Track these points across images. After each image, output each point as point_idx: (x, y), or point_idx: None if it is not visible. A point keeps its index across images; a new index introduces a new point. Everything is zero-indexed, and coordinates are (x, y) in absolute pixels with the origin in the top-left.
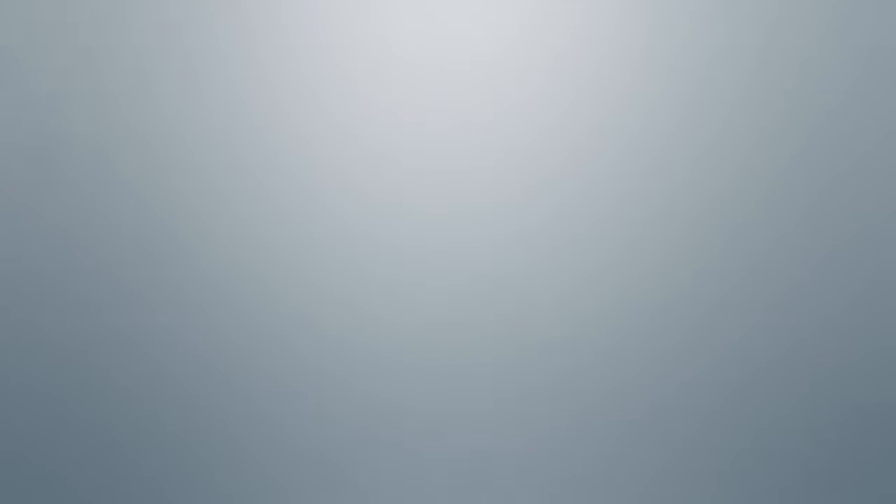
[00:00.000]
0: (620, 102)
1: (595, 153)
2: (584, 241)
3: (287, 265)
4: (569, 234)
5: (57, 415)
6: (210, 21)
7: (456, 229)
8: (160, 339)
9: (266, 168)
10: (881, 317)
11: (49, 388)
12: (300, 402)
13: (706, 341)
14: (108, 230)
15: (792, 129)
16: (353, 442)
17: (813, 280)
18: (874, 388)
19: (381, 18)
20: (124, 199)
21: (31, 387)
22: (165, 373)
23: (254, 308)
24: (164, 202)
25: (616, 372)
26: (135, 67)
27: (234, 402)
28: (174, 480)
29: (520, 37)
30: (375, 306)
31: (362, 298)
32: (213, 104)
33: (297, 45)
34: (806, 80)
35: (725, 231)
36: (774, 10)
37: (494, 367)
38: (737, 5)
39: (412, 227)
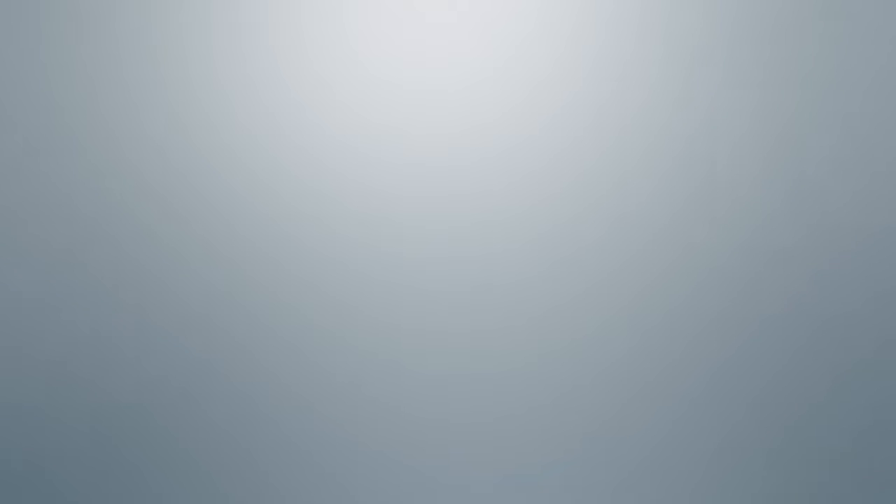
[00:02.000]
0: (622, 109)
1: (607, 160)
2: (593, 248)
3: (288, 268)
4: (579, 241)
5: (57, 418)
6: (208, 23)
7: (461, 234)
8: (160, 340)
9: (269, 170)
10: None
11: (50, 391)
12: (301, 406)
13: (721, 346)
14: (111, 232)
15: (802, 133)
16: (353, 447)
17: (825, 284)
18: (890, 394)
19: (382, 23)
20: (125, 199)
21: (33, 391)
22: (164, 374)
23: (255, 312)
24: (166, 203)
25: (628, 380)
26: (134, 67)
27: (235, 405)
28: (171, 481)
29: (525, 47)
30: (380, 311)
31: (366, 303)
32: (215, 106)
33: (295, 48)
34: (819, 83)
35: (740, 236)
36: (777, 11)
37: (503, 376)
38: (741, 7)
39: (417, 232)
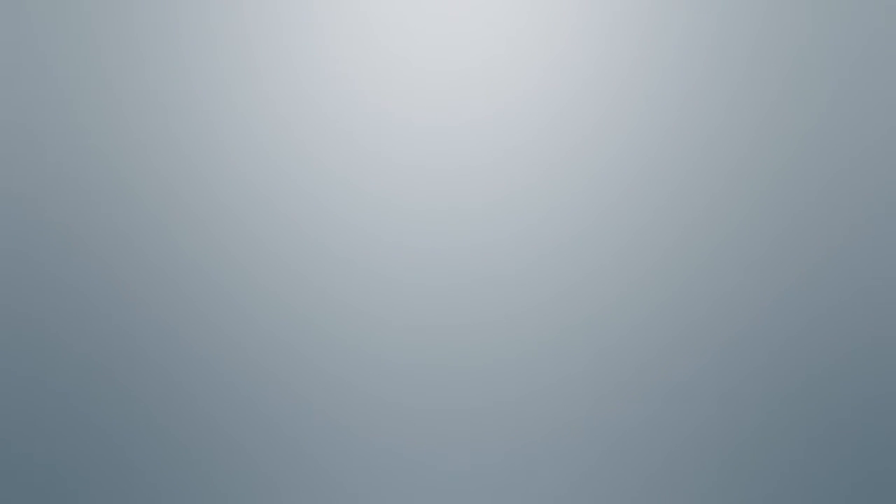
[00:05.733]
0: (618, 103)
1: (593, 154)
2: (580, 243)
3: (284, 266)
4: (566, 236)
5: (57, 417)
6: (210, 22)
7: (452, 230)
8: (159, 340)
9: (266, 170)
10: (882, 317)
11: (51, 391)
12: (295, 402)
13: (702, 344)
14: (114, 235)
15: (791, 128)
16: (347, 444)
17: (810, 282)
18: (875, 389)
19: (380, 19)
20: (125, 201)
21: (36, 395)
22: (164, 373)
23: (252, 309)
24: (165, 204)
25: (613, 373)
26: (138, 68)
27: (233, 404)
28: (171, 479)
29: (518, 37)
30: (371, 307)
31: (357, 299)
32: (215, 105)
33: (296, 45)
34: (805, 79)
35: (723, 233)
36: (773, 8)
37: (494, 370)
38: (735, 5)
39: (407, 228)
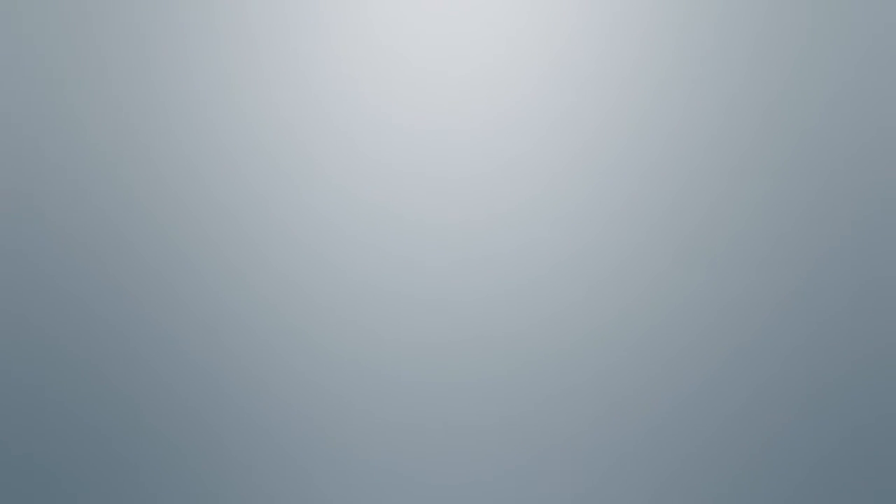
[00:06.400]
0: (621, 104)
1: (596, 156)
2: (585, 254)
3: (282, 273)
4: (570, 248)
5: (50, 418)
6: (212, 24)
7: (454, 239)
8: (156, 344)
9: (264, 174)
10: (889, 323)
11: (44, 392)
12: (293, 418)
13: (710, 356)
14: (112, 238)
15: (793, 128)
16: (344, 460)
17: (819, 290)
18: (889, 392)
19: (381, 20)
20: (123, 203)
21: (31, 396)
22: (159, 379)
23: (249, 317)
24: (163, 207)
25: (620, 385)
26: (136, 68)
27: (230, 412)
28: (164, 489)
29: (518, 37)
30: (369, 319)
31: (357, 311)
32: (213, 107)
33: (297, 47)
34: (806, 79)
35: (730, 239)
36: (773, 9)
37: (498, 384)
38: (737, 4)
39: (408, 237)
